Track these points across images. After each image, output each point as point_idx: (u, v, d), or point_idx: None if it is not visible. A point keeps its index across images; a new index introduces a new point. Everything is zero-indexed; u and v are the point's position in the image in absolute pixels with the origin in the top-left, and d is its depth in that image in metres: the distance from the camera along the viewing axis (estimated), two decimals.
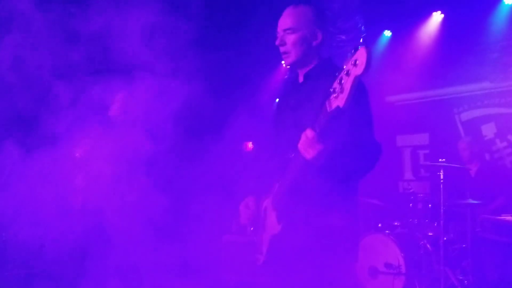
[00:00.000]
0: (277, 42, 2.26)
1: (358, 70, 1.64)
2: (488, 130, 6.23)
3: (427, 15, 6.43)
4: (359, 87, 2.05)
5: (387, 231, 5.03)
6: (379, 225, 5.37)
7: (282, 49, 2.25)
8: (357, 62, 1.64)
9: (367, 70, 1.62)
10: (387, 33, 6.91)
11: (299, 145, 1.91)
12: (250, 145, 7.75)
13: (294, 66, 2.31)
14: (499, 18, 5.90)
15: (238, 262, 5.73)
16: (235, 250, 5.84)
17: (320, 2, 2.40)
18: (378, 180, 6.07)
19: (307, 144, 1.88)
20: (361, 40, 1.67)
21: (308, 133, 1.87)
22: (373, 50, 1.64)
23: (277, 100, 2.51)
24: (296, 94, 2.29)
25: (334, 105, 1.75)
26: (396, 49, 6.75)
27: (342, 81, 1.71)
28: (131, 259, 3.84)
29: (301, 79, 2.32)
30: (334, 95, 1.75)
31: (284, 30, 2.24)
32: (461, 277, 4.75)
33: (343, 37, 6.42)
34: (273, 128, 2.42)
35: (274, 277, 2.25)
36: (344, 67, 1.71)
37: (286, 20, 2.24)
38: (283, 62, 7.29)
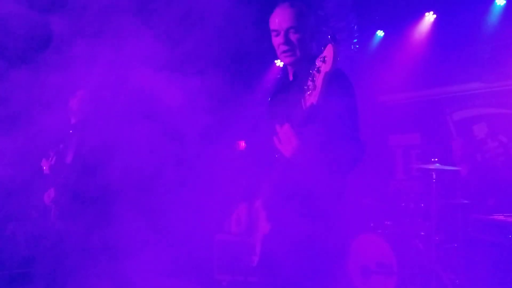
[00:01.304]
0: (281, 41, 2.24)
1: (327, 67, 1.69)
2: (480, 130, 6.25)
3: (419, 15, 6.44)
4: (343, 84, 2.07)
5: (379, 231, 5.04)
6: (371, 224, 5.37)
7: (285, 47, 2.23)
8: (325, 58, 1.70)
9: (335, 66, 1.68)
10: (380, 33, 6.93)
11: (277, 143, 1.93)
12: (243, 144, 7.74)
13: (292, 65, 2.31)
14: (491, 18, 5.93)
15: (231, 261, 5.71)
16: (228, 249, 5.83)
17: (314, 2, 2.39)
18: (370, 180, 6.08)
19: (285, 141, 1.90)
20: (329, 37, 1.70)
21: (285, 128, 1.89)
22: (339, 46, 1.68)
23: (269, 99, 2.51)
24: (287, 92, 2.29)
25: (308, 102, 1.79)
26: (388, 49, 6.76)
27: (315, 78, 1.75)
28: (121, 260, 3.82)
29: (291, 76, 2.33)
30: (308, 93, 1.79)
31: (287, 29, 2.22)
32: (452, 277, 4.77)
33: (336, 36, 6.41)
34: (265, 127, 2.42)
35: (267, 277, 2.25)
36: (316, 64, 1.74)
37: (287, 18, 2.23)
38: (276, 61, 7.30)
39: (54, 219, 3.81)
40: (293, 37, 2.23)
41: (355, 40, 6.90)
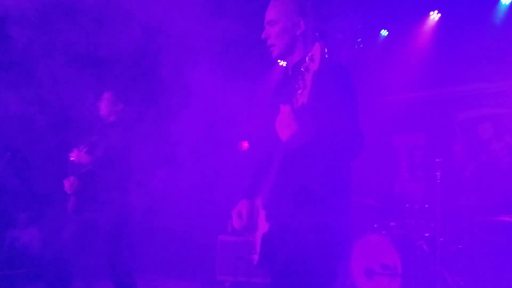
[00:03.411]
0: (262, 36, 2.26)
1: (315, 66, 1.66)
2: (485, 131, 6.20)
3: (424, 14, 6.40)
4: (340, 77, 2.03)
5: (383, 232, 5.00)
6: (375, 225, 5.33)
7: (267, 42, 2.25)
8: (313, 57, 1.67)
9: (323, 65, 1.64)
10: (384, 32, 6.89)
11: (276, 124, 1.86)
12: (246, 144, 7.72)
13: (281, 58, 2.30)
14: (496, 17, 5.88)
15: (234, 262, 5.69)
16: (230, 250, 5.81)
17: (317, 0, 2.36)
18: (374, 180, 6.05)
19: (284, 123, 1.82)
20: (317, 34, 1.68)
21: (286, 111, 1.81)
22: (327, 45, 1.66)
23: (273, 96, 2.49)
24: (286, 89, 2.24)
25: (300, 102, 1.75)
26: (392, 48, 6.73)
27: (305, 77, 1.72)
28: (127, 259, 3.82)
29: (290, 71, 2.30)
30: (299, 92, 1.75)
31: (267, 23, 2.24)
32: (457, 278, 4.72)
33: (340, 36, 6.39)
34: (266, 125, 2.38)
35: (268, 277, 2.22)
36: (306, 62, 1.72)
37: (268, 13, 2.25)
38: (279, 60, 7.28)
39: (71, 210, 3.80)
40: (271, 31, 2.23)
41: (359, 40, 6.87)
